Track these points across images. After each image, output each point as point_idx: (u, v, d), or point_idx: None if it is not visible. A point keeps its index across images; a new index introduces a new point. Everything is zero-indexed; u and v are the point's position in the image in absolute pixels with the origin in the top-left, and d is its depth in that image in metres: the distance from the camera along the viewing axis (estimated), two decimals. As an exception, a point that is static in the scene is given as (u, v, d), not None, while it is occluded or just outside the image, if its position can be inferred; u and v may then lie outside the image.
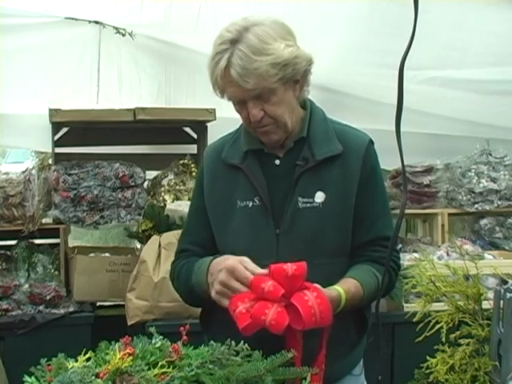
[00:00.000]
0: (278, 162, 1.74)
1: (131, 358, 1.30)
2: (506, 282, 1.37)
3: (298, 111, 1.75)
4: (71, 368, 1.31)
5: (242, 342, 1.41)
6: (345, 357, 1.74)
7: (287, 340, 1.46)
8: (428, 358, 1.47)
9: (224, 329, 1.52)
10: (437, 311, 1.57)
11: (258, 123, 1.67)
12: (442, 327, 1.49)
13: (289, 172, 1.71)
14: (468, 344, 1.44)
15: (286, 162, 1.73)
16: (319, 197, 1.69)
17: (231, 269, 1.53)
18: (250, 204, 1.71)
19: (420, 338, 1.59)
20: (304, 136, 1.73)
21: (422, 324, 1.57)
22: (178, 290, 1.85)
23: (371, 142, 1.77)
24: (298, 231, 1.68)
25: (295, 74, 1.66)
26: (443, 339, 1.49)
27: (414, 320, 1.59)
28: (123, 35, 3.60)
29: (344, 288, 1.59)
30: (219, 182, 1.78)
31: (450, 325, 1.50)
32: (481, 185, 3.92)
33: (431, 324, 1.53)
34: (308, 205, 1.69)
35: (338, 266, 1.70)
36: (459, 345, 1.46)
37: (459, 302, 1.52)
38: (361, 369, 1.82)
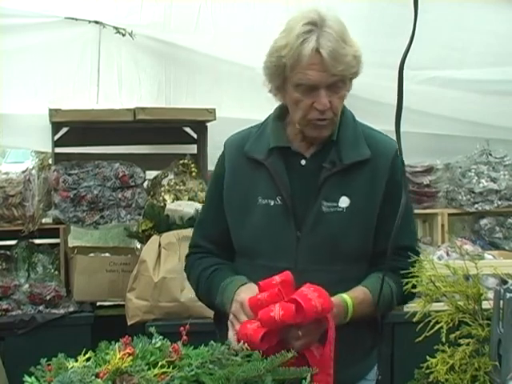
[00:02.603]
0: (303, 162, 1.71)
1: (131, 358, 1.30)
2: (506, 282, 1.37)
3: None
4: (71, 368, 1.31)
5: None
6: (359, 362, 1.74)
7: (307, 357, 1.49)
8: (428, 358, 1.47)
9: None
10: (437, 311, 1.57)
11: (320, 114, 1.62)
12: (441, 327, 1.49)
13: (314, 173, 1.68)
14: (468, 344, 1.44)
15: (311, 163, 1.70)
16: (344, 202, 1.67)
17: (241, 302, 1.56)
18: (272, 203, 1.69)
19: (420, 338, 1.58)
20: (334, 139, 1.69)
21: (422, 324, 1.56)
22: (196, 290, 1.85)
23: (397, 150, 1.75)
24: (319, 235, 1.65)
25: (357, 73, 1.65)
26: (443, 339, 1.49)
27: (414, 320, 1.58)
28: (123, 35, 3.60)
29: (350, 295, 1.60)
30: (240, 176, 1.75)
31: (450, 325, 1.50)
32: (481, 185, 3.92)
33: (431, 324, 1.53)
34: (332, 209, 1.66)
35: (356, 272, 1.69)
36: (459, 345, 1.46)
37: (459, 302, 1.52)
38: (375, 374, 1.81)
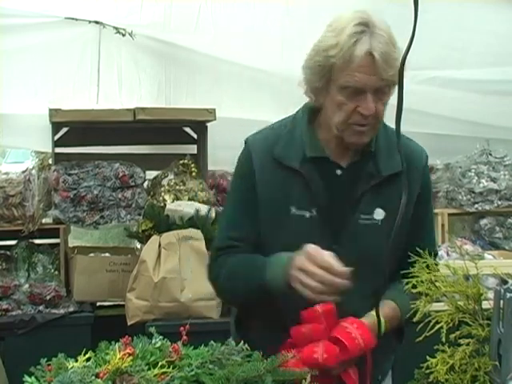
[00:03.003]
0: (339, 172, 1.64)
1: (131, 357, 1.30)
2: (506, 282, 1.37)
3: None
4: (71, 368, 1.31)
5: None
6: (386, 362, 1.77)
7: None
8: (428, 358, 1.47)
9: (262, 337, 1.50)
10: (437, 311, 1.57)
11: (363, 119, 1.55)
12: (441, 327, 1.49)
13: (350, 184, 1.62)
14: (468, 344, 1.44)
15: (348, 174, 1.64)
16: (379, 214, 1.63)
17: (307, 252, 1.47)
18: (307, 214, 1.62)
19: (420, 338, 1.58)
20: (372, 150, 1.64)
21: (422, 324, 1.56)
22: (230, 288, 1.70)
23: (427, 157, 1.73)
24: (355, 248, 1.60)
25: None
26: (443, 339, 1.49)
27: (414, 320, 1.58)
28: (123, 35, 3.61)
29: (382, 314, 1.57)
30: (270, 181, 1.64)
31: (450, 325, 1.50)
32: (481, 185, 3.92)
33: (431, 324, 1.53)
34: (367, 222, 1.62)
35: (389, 283, 1.65)
36: (459, 345, 1.46)
37: (459, 302, 1.52)
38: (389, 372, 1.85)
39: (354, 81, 1.52)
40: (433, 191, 1.83)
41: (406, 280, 1.49)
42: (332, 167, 1.64)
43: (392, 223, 1.59)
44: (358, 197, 1.62)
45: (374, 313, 1.58)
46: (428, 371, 1.43)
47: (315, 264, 1.46)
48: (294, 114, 1.74)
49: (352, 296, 1.53)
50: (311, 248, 1.50)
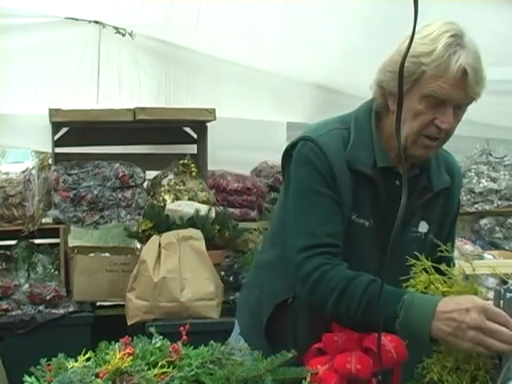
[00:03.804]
0: (397, 182, 1.59)
1: (131, 358, 1.30)
2: (505, 282, 1.37)
3: None
4: (71, 368, 1.31)
5: None
6: None
7: None
8: (425, 358, 1.47)
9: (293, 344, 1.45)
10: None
11: (437, 133, 1.51)
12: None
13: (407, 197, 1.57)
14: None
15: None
16: (423, 227, 1.63)
17: (483, 308, 1.30)
18: (367, 224, 1.59)
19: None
20: (430, 164, 1.63)
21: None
22: (335, 306, 1.52)
23: (461, 174, 1.75)
24: (401, 260, 1.53)
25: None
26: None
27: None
28: (123, 35, 3.61)
29: None
30: (343, 182, 1.58)
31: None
32: (481, 185, 3.92)
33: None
34: (413, 234, 1.62)
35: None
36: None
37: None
38: None
39: (441, 92, 1.48)
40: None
41: (403, 277, 1.49)
42: (393, 177, 1.61)
43: (431, 236, 1.63)
44: (413, 210, 1.59)
45: None
46: (427, 371, 1.43)
47: (490, 319, 1.30)
48: (350, 114, 1.68)
49: None
50: (480, 301, 1.33)
